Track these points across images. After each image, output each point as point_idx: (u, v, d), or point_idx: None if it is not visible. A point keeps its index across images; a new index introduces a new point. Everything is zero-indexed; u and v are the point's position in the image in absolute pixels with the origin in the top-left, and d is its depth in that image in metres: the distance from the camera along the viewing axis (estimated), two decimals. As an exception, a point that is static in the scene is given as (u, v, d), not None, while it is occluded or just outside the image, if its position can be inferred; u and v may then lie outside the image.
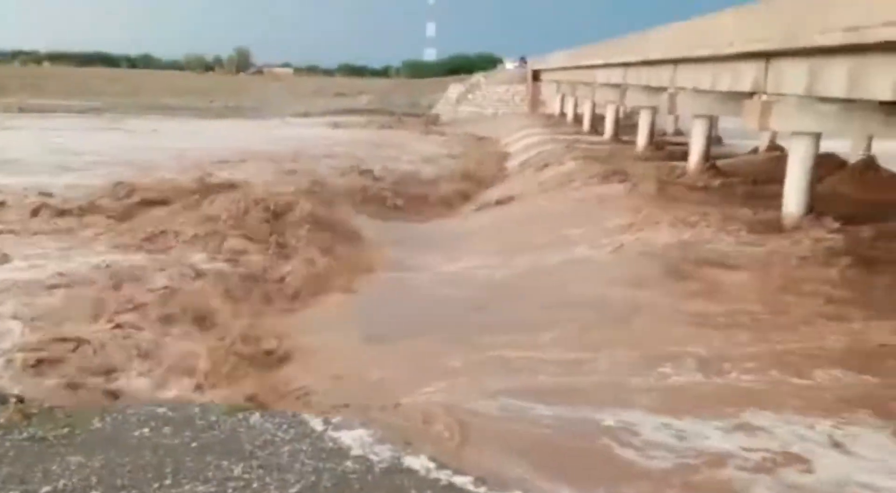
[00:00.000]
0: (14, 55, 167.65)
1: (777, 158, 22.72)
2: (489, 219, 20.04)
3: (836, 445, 6.49)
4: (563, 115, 48.12)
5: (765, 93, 15.88)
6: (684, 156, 23.15)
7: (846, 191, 17.92)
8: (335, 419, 6.40)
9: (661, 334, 9.14)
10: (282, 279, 12.58)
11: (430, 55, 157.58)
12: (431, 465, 5.70)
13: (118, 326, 9.31)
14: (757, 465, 6.14)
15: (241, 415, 6.46)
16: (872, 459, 6.25)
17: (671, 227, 14.30)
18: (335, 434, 6.14)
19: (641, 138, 28.58)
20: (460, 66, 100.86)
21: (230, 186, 18.15)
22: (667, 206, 16.14)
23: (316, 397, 7.72)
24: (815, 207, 14.83)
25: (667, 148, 28.68)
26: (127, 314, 9.74)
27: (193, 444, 5.91)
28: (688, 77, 22.08)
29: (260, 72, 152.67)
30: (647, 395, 7.35)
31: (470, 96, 61.14)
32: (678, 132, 38.05)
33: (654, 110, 28.14)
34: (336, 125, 45.32)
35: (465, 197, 24.19)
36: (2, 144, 28.79)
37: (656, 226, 14.55)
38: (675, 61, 22.94)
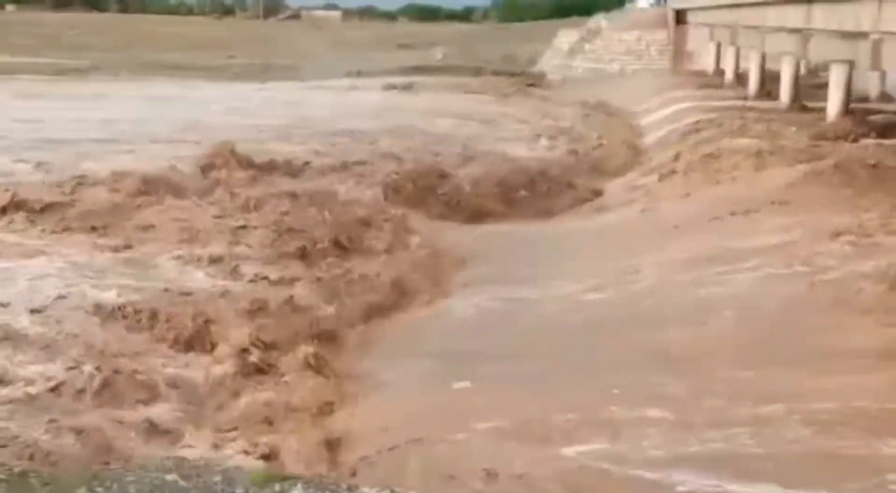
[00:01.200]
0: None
1: None
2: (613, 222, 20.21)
3: None
4: (719, 72, 47.72)
5: None
6: (896, 129, 22.46)
7: None
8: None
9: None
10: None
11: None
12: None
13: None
14: None
15: (277, 487, 6.50)
16: None
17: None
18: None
19: (833, 105, 28.04)
20: (573, 6, 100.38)
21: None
22: (881, 199, 15.84)
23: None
24: None
25: (870, 118, 27.86)
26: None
27: (214, 528, 5.98)
28: (900, 17, 21.62)
29: (296, 16, 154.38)
30: None
31: (587, 47, 60.91)
32: (886, 96, 37.10)
33: (851, 65, 27.56)
34: (399, 89, 45.23)
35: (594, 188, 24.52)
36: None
37: (874, 228, 14.36)
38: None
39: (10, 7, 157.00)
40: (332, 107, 35.59)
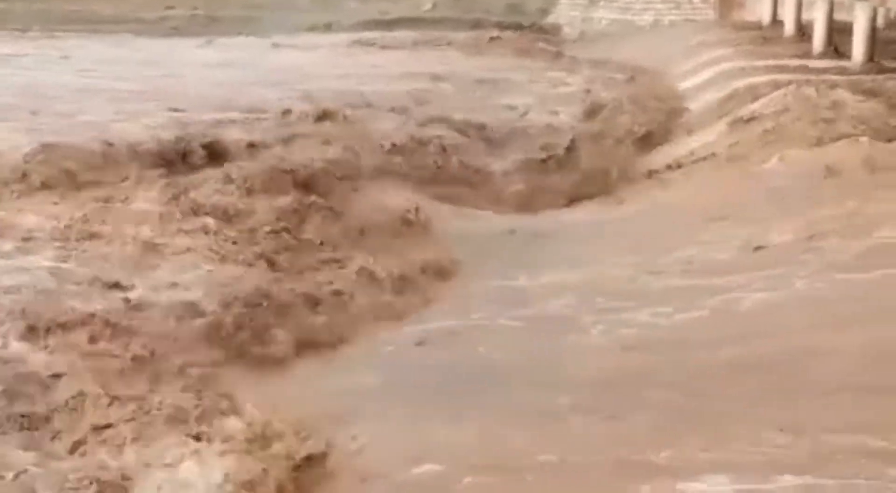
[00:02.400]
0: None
1: None
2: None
3: None
4: (776, 23, 44.65)
5: None
6: None
7: None
8: None
9: None
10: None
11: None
12: None
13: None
14: None
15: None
16: None
17: None
18: None
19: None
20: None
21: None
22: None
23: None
24: None
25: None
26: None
27: None
28: None
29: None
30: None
31: (612, -7, 57.94)
32: None
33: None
34: (373, 47, 41.82)
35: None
36: None
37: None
38: None
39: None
40: (248, 67, 32.52)
